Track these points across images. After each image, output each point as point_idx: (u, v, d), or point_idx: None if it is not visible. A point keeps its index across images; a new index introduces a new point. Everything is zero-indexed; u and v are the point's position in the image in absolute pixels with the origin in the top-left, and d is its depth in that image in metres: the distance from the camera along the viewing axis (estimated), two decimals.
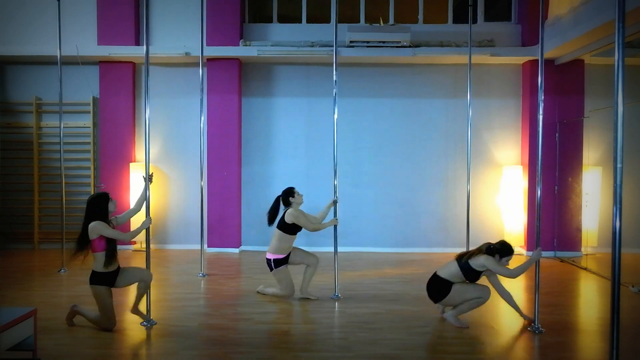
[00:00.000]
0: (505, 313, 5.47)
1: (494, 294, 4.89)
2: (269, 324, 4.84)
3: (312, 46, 8.25)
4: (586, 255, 7.68)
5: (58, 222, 7.70)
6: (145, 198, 4.82)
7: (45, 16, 8.51)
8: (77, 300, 5.57)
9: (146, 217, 4.81)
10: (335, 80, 5.82)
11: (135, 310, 4.75)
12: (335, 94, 5.82)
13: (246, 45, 8.37)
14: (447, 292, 4.72)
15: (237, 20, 8.46)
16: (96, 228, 4.49)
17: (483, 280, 4.90)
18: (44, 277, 6.72)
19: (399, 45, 8.13)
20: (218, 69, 8.50)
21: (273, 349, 4.22)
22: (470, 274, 4.70)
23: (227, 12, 8.43)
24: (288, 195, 5.60)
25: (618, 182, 2.78)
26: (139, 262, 5.21)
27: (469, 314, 5.05)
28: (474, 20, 8.37)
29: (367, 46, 8.18)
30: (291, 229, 5.52)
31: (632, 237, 6.58)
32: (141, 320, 4.78)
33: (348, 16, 8.72)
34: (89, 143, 8.78)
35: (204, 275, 6.78)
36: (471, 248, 7.28)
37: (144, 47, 4.80)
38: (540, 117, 4.78)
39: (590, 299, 6.18)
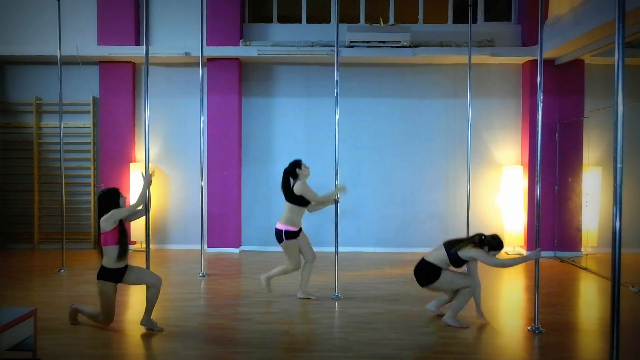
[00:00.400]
0: (505, 313, 5.47)
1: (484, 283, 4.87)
2: (269, 324, 4.84)
3: (312, 46, 8.25)
4: (586, 255, 7.68)
5: (58, 222, 7.70)
6: (144, 199, 4.74)
7: (45, 16, 8.51)
8: (77, 300, 5.56)
9: (145, 210, 4.74)
10: (337, 80, 5.82)
11: (146, 321, 4.62)
12: (337, 94, 5.82)
13: (246, 45, 8.37)
14: (437, 277, 4.74)
15: (237, 20, 8.47)
16: (112, 216, 4.42)
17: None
18: (44, 277, 6.72)
19: (399, 45, 8.13)
20: (218, 69, 8.50)
21: (273, 349, 4.22)
22: (457, 262, 4.76)
23: (227, 12, 8.44)
24: (295, 167, 5.58)
25: (618, 182, 2.78)
26: (139, 262, 5.20)
27: (468, 314, 5.05)
28: (474, 20, 8.37)
29: (367, 46, 8.18)
30: (301, 201, 5.51)
31: (632, 237, 6.58)
32: (142, 319, 4.76)
33: (348, 16, 8.72)
34: (89, 143, 8.78)
35: (204, 275, 6.78)
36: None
37: (144, 47, 4.80)
38: (540, 117, 4.78)
39: (590, 299, 6.18)
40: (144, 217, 4.83)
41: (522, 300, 5.96)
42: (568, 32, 7.04)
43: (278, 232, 5.53)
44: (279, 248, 5.74)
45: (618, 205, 2.77)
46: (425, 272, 4.80)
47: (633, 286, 6.10)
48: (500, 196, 8.60)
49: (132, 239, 8.42)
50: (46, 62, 8.52)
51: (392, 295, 5.86)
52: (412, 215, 8.63)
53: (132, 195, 8.49)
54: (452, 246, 4.77)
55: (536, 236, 4.78)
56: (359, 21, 8.75)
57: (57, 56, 7.31)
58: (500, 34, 8.58)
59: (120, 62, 8.58)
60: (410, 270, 7.20)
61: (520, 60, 8.45)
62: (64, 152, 7.49)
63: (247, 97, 8.79)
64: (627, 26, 3.14)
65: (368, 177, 8.70)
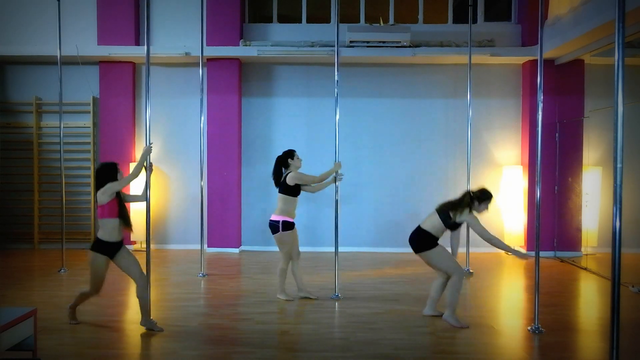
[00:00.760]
0: (505, 313, 5.47)
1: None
2: (269, 324, 4.84)
3: (312, 46, 8.25)
4: (586, 255, 7.68)
5: (58, 222, 7.70)
6: (140, 169, 4.63)
7: (45, 16, 8.51)
8: None
9: (146, 202, 4.74)
10: (337, 81, 5.82)
11: (145, 322, 4.62)
12: (337, 94, 5.82)
13: (246, 45, 8.37)
14: (431, 246, 4.76)
15: (237, 20, 8.46)
16: (109, 188, 4.42)
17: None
18: (44, 277, 6.72)
19: (399, 45, 8.13)
20: (218, 69, 8.50)
21: (273, 349, 4.23)
22: (453, 226, 4.82)
23: (227, 12, 8.44)
24: (287, 156, 5.60)
25: (618, 182, 2.77)
26: (139, 262, 5.17)
27: (468, 314, 5.06)
28: (474, 20, 8.37)
29: (367, 46, 8.18)
30: (293, 191, 5.51)
31: (632, 237, 6.58)
32: (141, 319, 4.76)
33: (348, 16, 8.72)
34: (89, 143, 8.78)
35: (204, 275, 6.78)
36: (470, 249, 7.32)
37: (145, 47, 4.79)
38: (540, 117, 4.78)
39: (590, 299, 6.18)
40: (144, 217, 4.83)
41: (522, 300, 5.95)
42: (568, 32, 7.04)
43: (274, 224, 5.48)
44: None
45: (618, 205, 2.77)
46: (421, 239, 4.81)
47: (633, 286, 6.10)
48: (500, 196, 8.59)
49: (132, 239, 8.43)
50: (46, 62, 8.52)
51: (392, 295, 5.86)
52: (412, 215, 8.60)
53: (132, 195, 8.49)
54: (444, 211, 4.78)
55: (536, 236, 4.78)
56: (359, 21, 8.75)
57: (57, 56, 7.31)
58: (500, 34, 8.57)
59: (120, 62, 8.57)
60: (409, 270, 7.24)
61: (520, 60, 8.45)
62: (64, 152, 7.49)
63: (247, 97, 8.79)
64: (627, 26, 3.14)
65: (368, 177, 8.70)
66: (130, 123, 8.67)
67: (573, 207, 8.13)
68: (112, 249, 4.51)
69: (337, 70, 5.82)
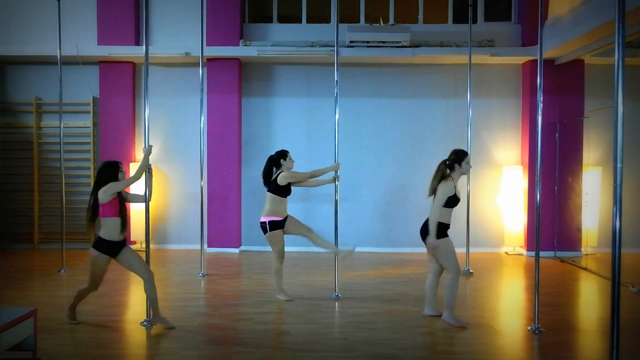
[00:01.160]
0: (505, 313, 5.47)
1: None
2: (269, 324, 4.84)
3: (312, 46, 8.25)
4: (586, 255, 7.68)
5: (58, 222, 7.70)
6: (143, 171, 4.66)
7: (45, 16, 8.51)
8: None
9: (146, 199, 4.75)
10: (337, 80, 5.82)
11: (158, 317, 4.65)
12: (337, 94, 5.82)
13: (246, 45, 8.37)
14: (441, 235, 4.68)
15: (237, 20, 8.46)
16: (110, 188, 4.43)
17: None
18: (44, 277, 6.72)
19: (399, 45, 8.13)
20: (218, 69, 8.50)
21: (273, 349, 4.23)
22: (449, 203, 4.70)
23: (227, 12, 8.43)
24: (280, 157, 5.59)
25: (618, 182, 2.77)
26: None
27: (468, 314, 5.06)
28: (474, 20, 8.37)
29: (367, 46, 8.17)
30: (283, 191, 5.50)
31: (632, 237, 6.58)
32: (141, 320, 4.77)
33: (348, 16, 8.72)
34: (89, 143, 8.78)
35: (204, 275, 6.78)
36: (470, 249, 7.32)
37: (144, 47, 4.80)
38: (540, 117, 4.78)
39: (590, 299, 6.18)
40: (144, 216, 4.84)
41: (522, 300, 5.95)
42: (568, 32, 7.04)
43: (262, 225, 5.52)
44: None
45: (618, 205, 2.77)
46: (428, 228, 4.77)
47: (633, 286, 6.10)
48: (500, 196, 8.60)
49: (132, 239, 8.43)
50: (46, 62, 8.52)
51: (392, 295, 5.86)
52: (412, 215, 8.62)
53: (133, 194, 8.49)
54: (434, 190, 4.76)
55: (536, 236, 4.78)
56: (359, 21, 8.74)
57: (57, 56, 7.31)
58: (500, 34, 8.57)
59: (120, 62, 8.57)
60: (409, 270, 7.24)
61: (520, 60, 8.45)
62: (64, 152, 7.49)
63: (247, 97, 8.79)
64: (627, 26, 3.14)
65: (368, 176, 8.70)
66: (130, 123, 8.67)
67: (573, 207, 8.13)
68: (114, 248, 4.52)
69: (337, 70, 5.82)
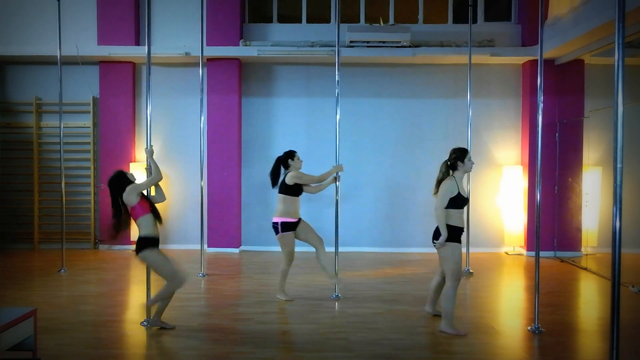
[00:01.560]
0: (505, 313, 5.47)
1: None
2: (269, 324, 4.84)
3: (312, 46, 8.25)
4: (586, 255, 7.68)
5: (58, 222, 7.70)
6: (158, 171, 4.69)
7: (45, 16, 8.51)
8: (78, 299, 5.58)
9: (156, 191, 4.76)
10: (338, 81, 5.82)
11: (157, 320, 4.66)
12: (338, 94, 5.82)
13: (246, 45, 8.37)
14: (451, 239, 4.75)
15: (237, 20, 8.46)
16: (134, 189, 4.44)
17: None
18: (44, 277, 6.72)
19: (399, 45, 8.13)
20: (218, 69, 8.50)
21: (273, 349, 4.23)
22: (455, 203, 4.81)
23: (227, 12, 8.43)
24: (288, 157, 5.60)
25: (618, 182, 2.77)
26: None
27: (468, 314, 5.06)
28: (474, 20, 8.37)
29: (367, 46, 8.17)
30: (294, 191, 5.50)
31: (632, 237, 6.58)
32: (141, 320, 4.77)
33: (348, 16, 8.72)
34: (89, 143, 8.78)
35: (204, 275, 6.78)
36: (470, 249, 7.32)
37: (145, 47, 4.79)
38: (540, 117, 4.78)
39: (590, 299, 6.18)
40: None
41: (522, 300, 5.95)
42: (568, 32, 7.04)
43: (274, 225, 5.52)
44: (279, 248, 5.74)
45: (618, 205, 2.77)
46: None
47: (633, 286, 6.10)
48: (500, 196, 8.60)
49: (132, 238, 8.42)
50: (46, 62, 8.52)
51: (392, 295, 5.86)
52: (413, 215, 8.63)
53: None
54: (437, 190, 4.83)
55: (536, 236, 4.78)
56: (359, 21, 8.75)
57: (57, 56, 7.30)
58: (500, 34, 8.57)
59: (120, 62, 8.57)
60: (409, 270, 7.24)
61: (520, 60, 8.45)
62: (64, 152, 7.49)
63: (247, 97, 8.79)
64: (627, 26, 3.14)
65: (368, 176, 8.70)
66: (130, 123, 8.66)
67: (573, 207, 8.13)
68: (156, 243, 4.53)
69: (338, 70, 5.82)
